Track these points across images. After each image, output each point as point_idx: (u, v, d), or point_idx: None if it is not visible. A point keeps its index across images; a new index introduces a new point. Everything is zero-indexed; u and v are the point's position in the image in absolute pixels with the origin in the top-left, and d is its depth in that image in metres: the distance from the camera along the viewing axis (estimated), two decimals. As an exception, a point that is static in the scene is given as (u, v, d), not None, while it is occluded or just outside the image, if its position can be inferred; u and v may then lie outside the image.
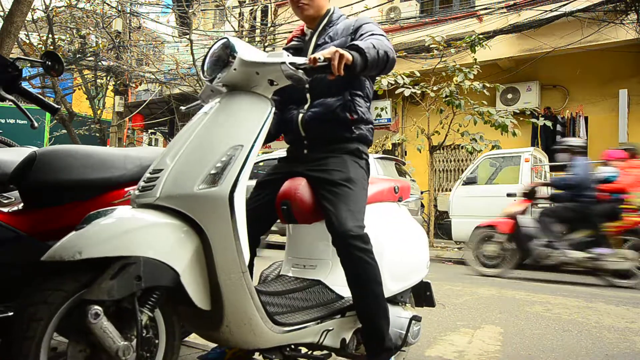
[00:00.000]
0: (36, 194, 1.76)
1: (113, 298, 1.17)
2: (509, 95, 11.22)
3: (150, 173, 1.44)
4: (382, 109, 10.71)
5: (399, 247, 2.01)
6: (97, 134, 16.80)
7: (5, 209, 1.73)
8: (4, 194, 1.87)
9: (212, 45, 1.62)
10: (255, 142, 1.48)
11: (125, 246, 1.22)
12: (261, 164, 8.45)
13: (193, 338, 2.44)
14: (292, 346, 1.67)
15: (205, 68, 1.60)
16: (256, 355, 1.79)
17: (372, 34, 1.76)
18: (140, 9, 16.63)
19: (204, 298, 1.36)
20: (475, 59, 8.87)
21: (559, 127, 10.76)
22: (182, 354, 2.24)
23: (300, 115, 1.88)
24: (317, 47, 1.90)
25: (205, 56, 1.61)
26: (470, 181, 7.92)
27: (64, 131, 14.63)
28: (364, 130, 1.88)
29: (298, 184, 1.78)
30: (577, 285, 5.49)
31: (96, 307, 1.15)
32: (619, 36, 9.57)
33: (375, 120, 12.46)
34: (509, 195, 7.41)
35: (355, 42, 1.64)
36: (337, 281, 1.80)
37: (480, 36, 9.06)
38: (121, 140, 14.46)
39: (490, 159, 8.07)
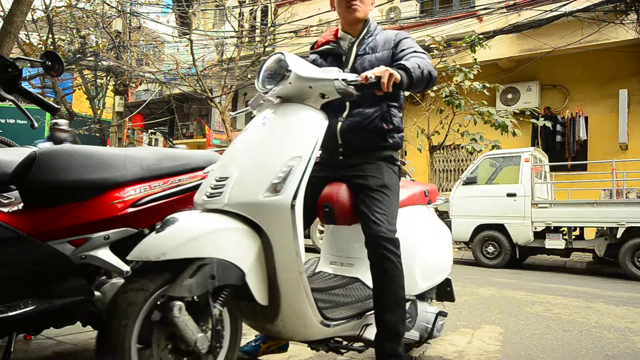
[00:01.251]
0: (36, 194, 1.75)
1: (193, 295, 1.31)
2: (509, 95, 11.22)
3: (216, 180, 1.55)
4: (382, 109, 10.69)
5: (429, 248, 2.16)
6: (97, 134, 16.79)
7: (5, 209, 1.73)
8: (4, 194, 1.86)
9: (267, 59, 1.74)
10: (312, 153, 1.60)
11: (203, 249, 1.35)
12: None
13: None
14: (335, 338, 1.79)
15: (260, 80, 1.72)
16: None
17: (415, 52, 1.88)
18: (140, 9, 16.62)
19: (263, 295, 1.50)
20: (475, 59, 8.88)
21: (559, 127, 10.76)
22: (182, 354, 2.25)
23: (340, 124, 1.96)
24: (358, 56, 2.00)
25: (260, 69, 1.74)
26: (470, 181, 7.91)
27: (64, 131, 14.61)
28: (397, 138, 2.00)
29: (339, 189, 1.91)
30: (577, 285, 5.49)
31: (179, 302, 1.28)
32: (619, 36, 9.57)
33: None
34: (509, 195, 7.42)
35: (402, 62, 1.76)
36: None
37: (480, 36, 9.07)
38: (121, 140, 14.46)
39: (490, 159, 8.07)
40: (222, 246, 1.39)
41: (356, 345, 1.89)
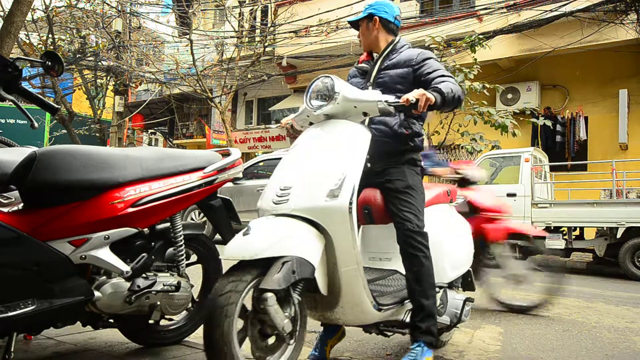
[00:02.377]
0: (36, 194, 1.75)
1: (281, 287, 1.53)
2: (509, 95, 11.22)
3: (280, 189, 1.79)
4: (382, 109, 10.69)
5: (455, 242, 2.44)
6: (97, 134, 16.78)
7: (5, 209, 1.73)
8: (4, 194, 1.86)
9: (314, 81, 2.00)
10: (362, 162, 1.86)
11: (285, 248, 1.59)
12: (261, 164, 8.47)
13: (193, 338, 2.45)
14: (383, 323, 2.06)
15: (308, 99, 1.99)
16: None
17: (443, 75, 2.07)
18: (140, 9, 16.64)
19: (325, 285, 1.75)
20: (475, 59, 8.87)
21: (559, 127, 10.75)
22: (182, 354, 2.25)
23: None
24: (380, 70, 2.24)
25: (308, 89, 2.00)
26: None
27: (64, 131, 14.63)
28: (416, 141, 2.21)
29: (375, 193, 2.16)
30: (577, 285, 5.49)
31: (270, 293, 1.51)
32: (619, 36, 9.57)
33: (375, 120, 12.45)
34: (509, 195, 7.42)
35: (437, 86, 1.97)
36: None
37: (480, 36, 9.05)
38: (121, 140, 14.46)
39: (490, 159, 8.07)
40: (299, 246, 1.63)
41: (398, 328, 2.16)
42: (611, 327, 3.40)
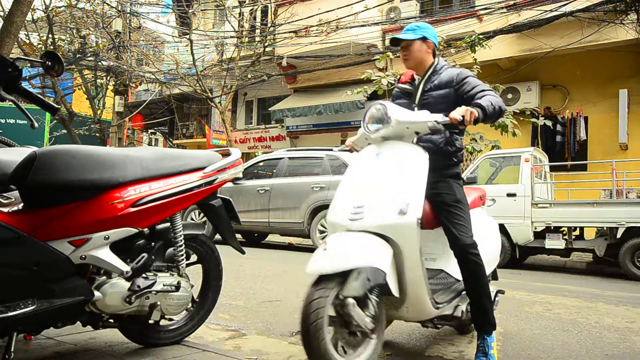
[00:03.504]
0: (36, 194, 1.75)
1: (360, 294, 1.77)
2: (509, 95, 11.22)
3: (354, 208, 2.03)
4: (382, 109, 10.68)
5: (489, 241, 2.70)
6: (97, 134, 16.79)
7: (5, 209, 1.73)
8: (4, 194, 1.86)
9: (369, 108, 2.23)
10: (424, 183, 2.09)
11: (361, 260, 1.83)
12: (261, 164, 8.46)
13: (193, 338, 2.45)
14: (437, 317, 2.30)
15: (365, 124, 2.23)
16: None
17: (483, 90, 2.26)
18: (140, 9, 16.63)
19: (397, 288, 1.99)
20: (475, 59, 8.87)
21: (559, 127, 10.75)
22: (182, 354, 2.25)
23: None
24: (424, 92, 2.43)
25: (364, 116, 2.24)
26: (470, 181, 7.90)
27: (64, 131, 14.64)
28: (459, 156, 2.45)
29: (425, 204, 2.28)
30: (577, 285, 5.49)
31: (352, 299, 1.75)
32: (619, 36, 9.57)
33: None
34: (509, 195, 7.41)
35: (479, 101, 2.15)
36: (453, 269, 2.41)
37: (480, 36, 9.06)
38: (121, 140, 14.46)
39: (490, 159, 8.06)
40: (372, 257, 1.87)
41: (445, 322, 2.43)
42: (611, 327, 3.39)
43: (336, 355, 1.75)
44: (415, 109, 2.39)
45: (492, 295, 2.52)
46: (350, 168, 2.24)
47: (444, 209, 2.31)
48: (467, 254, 2.24)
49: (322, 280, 1.79)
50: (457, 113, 2.07)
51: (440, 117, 2.12)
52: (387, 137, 2.19)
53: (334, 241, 1.92)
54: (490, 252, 2.66)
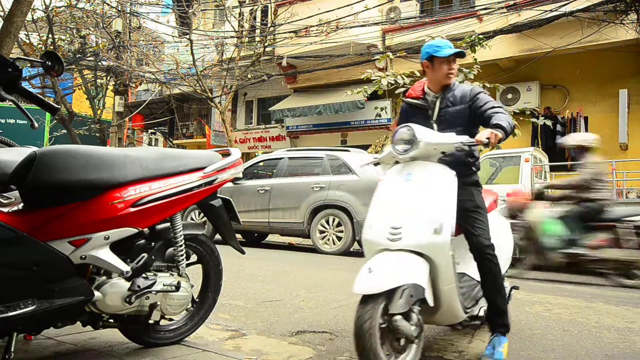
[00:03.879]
0: (36, 194, 1.75)
1: (405, 310, 1.93)
2: (509, 95, 11.22)
3: (393, 228, 2.16)
4: (382, 109, 10.69)
5: (504, 242, 2.87)
6: (97, 134, 16.79)
7: (5, 209, 1.73)
8: (4, 194, 1.86)
9: (397, 130, 2.34)
10: (454, 203, 2.26)
11: (404, 279, 1.99)
12: (261, 164, 8.47)
13: (193, 338, 2.45)
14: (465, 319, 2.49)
15: (394, 145, 2.34)
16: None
17: (494, 107, 2.43)
18: (140, 9, 16.64)
19: (432, 299, 2.17)
20: (475, 59, 8.87)
21: (559, 127, 10.75)
22: (181, 354, 2.25)
23: None
24: (441, 109, 2.58)
25: (393, 137, 2.36)
26: (470, 181, 7.89)
27: (64, 131, 14.63)
28: (477, 164, 2.64)
29: None
30: (577, 285, 5.49)
31: (399, 315, 1.92)
32: (619, 36, 9.57)
33: (375, 120, 12.46)
34: (509, 195, 7.41)
35: (499, 123, 2.31)
36: (473, 271, 2.55)
37: (480, 36, 9.06)
38: (121, 140, 14.46)
39: (490, 159, 8.06)
40: (413, 275, 2.04)
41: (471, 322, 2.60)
42: (611, 327, 3.39)
43: None
44: (434, 125, 2.55)
45: (507, 290, 2.71)
46: (382, 186, 2.37)
47: (466, 215, 2.46)
48: (485, 254, 2.40)
49: (369, 299, 1.93)
50: (483, 136, 2.25)
51: (466, 139, 2.28)
52: (415, 157, 2.33)
53: (377, 262, 2.07)
54: (506, 253, 2.86)
